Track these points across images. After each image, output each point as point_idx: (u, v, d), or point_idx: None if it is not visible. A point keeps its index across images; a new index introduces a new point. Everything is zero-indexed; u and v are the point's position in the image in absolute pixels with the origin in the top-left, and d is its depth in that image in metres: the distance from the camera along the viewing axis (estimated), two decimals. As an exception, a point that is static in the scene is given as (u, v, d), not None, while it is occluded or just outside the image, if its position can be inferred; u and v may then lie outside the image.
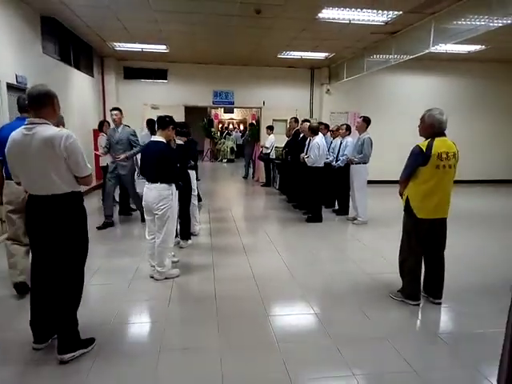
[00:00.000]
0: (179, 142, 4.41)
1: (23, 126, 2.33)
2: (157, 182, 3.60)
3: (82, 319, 2.54)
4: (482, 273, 4.12)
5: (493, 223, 6.44)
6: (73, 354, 2.43)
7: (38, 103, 2.32)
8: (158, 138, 3.67)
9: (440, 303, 3.28)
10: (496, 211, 7.52)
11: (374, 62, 8.08)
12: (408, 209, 3.18)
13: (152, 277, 3.79)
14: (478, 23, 5.35)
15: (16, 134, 2.34)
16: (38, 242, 2.42)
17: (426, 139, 3.11)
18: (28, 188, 2.42)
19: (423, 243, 3.22)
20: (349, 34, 7.17)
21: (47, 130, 2.29)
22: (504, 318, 2.92)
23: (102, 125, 6.87)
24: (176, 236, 4.31)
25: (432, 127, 3.06)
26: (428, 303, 3.32)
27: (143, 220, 4.80)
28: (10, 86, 5.10)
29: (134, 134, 5.65)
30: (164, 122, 3.69)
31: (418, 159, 3.04)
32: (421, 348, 2.69)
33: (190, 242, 4.88)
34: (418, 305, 3.27)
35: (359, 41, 7.66)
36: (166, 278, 3.74)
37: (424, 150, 3.01)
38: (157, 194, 3.59)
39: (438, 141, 3.03)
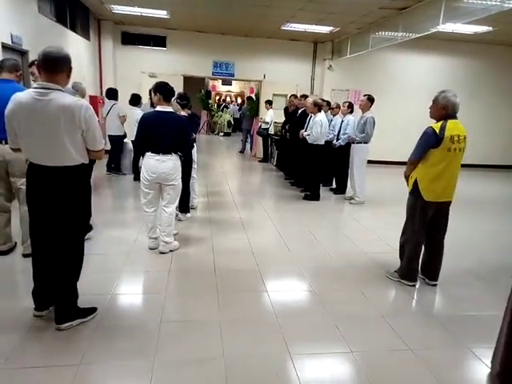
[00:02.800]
0: (183, 113, 4.31)
1: (33, 90, 2.16)
2: (171, 153, 3.53)
3: (81, 289, 2.54)
4: (478, 257, 4.19)
5: (491, 208, 6.51)
6: (70, 323, 2.44)
7: (55, 67, 2.17)
8: (166, 108, 3.54)
9: (436, 285, 3.34)
10: (495, 196, 7.60)
11: (380, 38, 7.88)
12: (416, 191, 3.16)
13: (151, 248, 3.78)
14: (491, 3, 5.22)
15: (23, 97, 2.16)
16: (42, 212, 2.34)
17: (438, 121, 3.06)
18: (33, 157, 2.27)
19: (427, 226, 3.23)
20: (356, 8, 6.95)
21: (65, 97, 2.16)
22: (499, 302, 3.00)
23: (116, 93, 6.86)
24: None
25: (446, 109, 3.02)
26: (424, 284, 3.38)
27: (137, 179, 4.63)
28: (4, 47, 4.89)
29: None
30: (171, 94, 3.59)
31: (431, 140, 2.99)
32: (416, 327, 2.75)
33: (188, 215, 4.87)
34: (414, 286, 3.33)
35: (366, 15, 7.44)
36: (170, 251, 3.74)
37: (437, 131, 2.97)
38: (173, 165, 3.54)
39: (450, 123, 3.00)
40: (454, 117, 3.04)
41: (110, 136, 6.84)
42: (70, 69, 2.26)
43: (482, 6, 5.27)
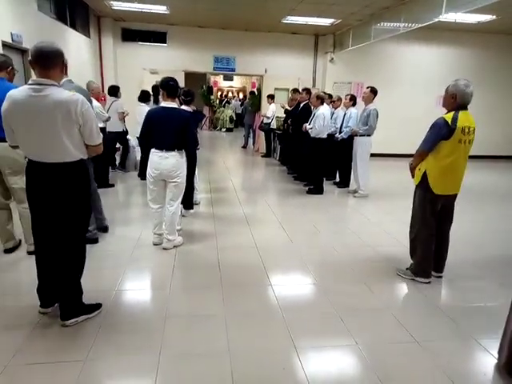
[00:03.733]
0: (188, 109, 4.29)
1: (28, 86, 2.14)
2: (174, 150, 3.52)
3: (85, 286, 2.54)
4: (484, 248, 4.16)
5: (496, 199, 6.47)
6: (75, 319, 2.45)
7: (48, 62, 2.14)
8: (170, 104, 3.53)
9: (441, 277, 3.31)
10: (499, 187, 7.55)
11: (382, 29, 7.81)
12: (424, 184, 3.07)
13: (156, 244, 3.79)
14: (493, -9, 5.13)
15: (18, 94, 2.14)
16: (43, 209, 2.34)
17: (449, 111, 2.99)
18: (32, 155, 2.26)
19: (436, 219, 3.16)
20: (358, -1, 6.88)
21: (60, 92, 2.14)
22: (505, 293, 2.99)
23: (117, 90, 6.81)
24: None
25: (454, 97, 2.93)
26: (429, 276, 3.36)
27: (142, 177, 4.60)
28: (5, 45, 4.88)
29: None
30: (175, 91, 3.57)
31: (442, 132, 2.91)
32: (422, 319, 2.73)
33: (192, 211, 4.86)
34: (429, 283, 3.22)
35: (367, 6, 7.36)
36: (174, 247, 3.75)
37: (450, 122, 2.89)
38: (175, 162, 3.52)
39: (462, 114, 2.91)
40: (464, 107, 2.95)
41: (109, 133, 6.82)
42: (62, 63, 2.24)
43: (484, -7, 5.19)
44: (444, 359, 2.30)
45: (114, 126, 6.67)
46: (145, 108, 6.36)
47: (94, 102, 5.88)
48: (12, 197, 3.39)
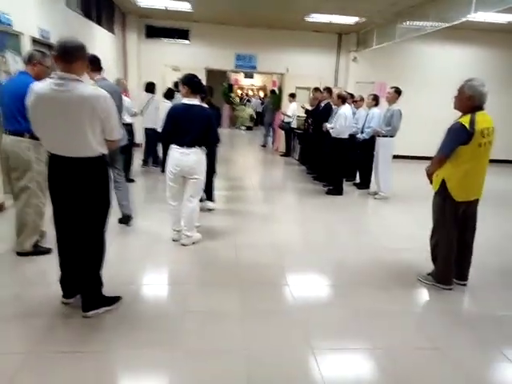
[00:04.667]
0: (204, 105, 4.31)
1: (52, 81, 2.16)
2: (195, 147, 3.53)
3: (105, 279, 2.58)
4: (506, 255, 4.03)
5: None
6: (96, 310, 2.50)
7: (71, 56, 2.17)
8: (193, 101, 3.54)
9: (465, 284, 3.21)
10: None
11: (407, 29, 7.64)
12: (444, 191, 2.95)
13: (174, 240, 3.82)
14: (528, -11, 4.96)
15: (43, 88, 2.16)
16: (64, 202, 2.39)
17: (464, 114, 2.85)
18: (54, 148, 2.29)
19: (458, 226, 3.05)
20: (384, -4, 6.75)
21: (84, 87, 2.18)
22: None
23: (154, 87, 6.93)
24: (200, 201, 4.32)
25: (472, 100, 2.80)
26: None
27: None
28: (34, 41, 5.00)
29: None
30: (199, 87, 3.58)
31: (461, 137, 2.78)
32: (443, 327, 2.66)
33: (214, 204, 4.95)
34: (451, 289, 3.13)
35: (394, 4, 7.21)
36: (193, 243, 3.77)
37: (467, 126, 2.76)
38: (196, 158, 3.54)
39: (479, 115, 2.79)
40: (481, 108, 2.83)
41: (146, 129, 6.93)
42: (85, 57, 2.27)
43: (517, -8, 5.01)
44: (466, 368, 2.24)
45: (153, 123, 6.74)
46: (169, 105, 6.42)
47: (124, 97, 5.98)
48: (11, 191, 3.34)
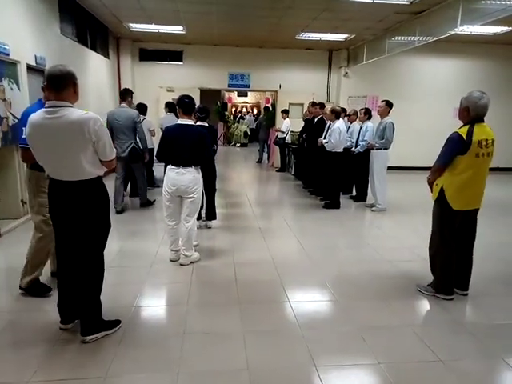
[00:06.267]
0: (204, 124, 4.37)
1: (44, 110, 2.24)
2: (191, 166, 3.57)
3: (104, 302, 2.56)
4: (507, 264, 4.02)
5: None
6: (95, 335, 2.47)
7: (60, 84, 2.23)
8: (187, 121, 3.61)
9: (467, 294, 3.20)
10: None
11: (396, 43, 7.81)
12: (442, 200, 3.00)
13: (173, 260, 3.80)
14: (509, 3, 5.10)
15: (36, 118, 2.23)
16: (63, 226, 2.41)
17: (464, 125, 2.93)
18: (53, 174, 2.35)
19: (456, 235, 3.07)
20: (371, 14, 6.92)
21: (73, 113, 2.22)
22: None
23: (145, 108, 6.98)
24: (198, 219, 4.32)
25: (468, 111, 2.88)
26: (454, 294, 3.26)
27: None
28: (29, 68, 5.08)
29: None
30: (191, 108, 3.64)
31: (458, 147, 2.84)
32: (446, 338, 2.64)
33: (213, 222, 4.98)
34: (452, 299, 3.12)
35: (381, 21, 7.40)
36: (191, 263, 3.76)
37: (464, 137, 2.82)
38: (192, 178, 3.56)
39: (477, 127, 2.85)
40: (480, 120, 2.89)
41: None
42: (74, 84, 2.30)
43: (500, 6, 5.16)
44: (471, 380, 2.22)
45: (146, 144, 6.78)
46: (172, 116, 6.41)
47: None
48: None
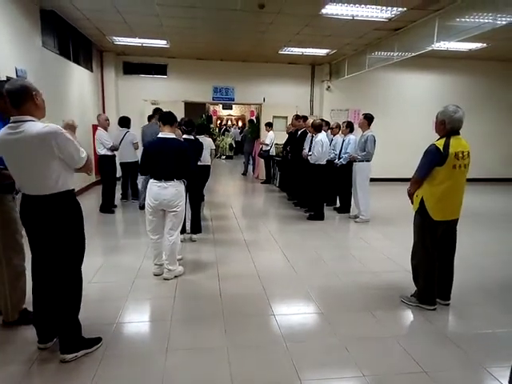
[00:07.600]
0: (190, 137, 4.37)
1: (8, 125, 2.21)
2: (173, 180, 3.54)
3: (86, 319, 2.51)
4: (487, 273, 4.11)
5: (497, 222, 6.44)
6: (75, 354, 2.40)
7: (18, 100, 2.19)
8: (168, 134, 3.58)
9: (448, 304, 3.25)
10: (500, 210, 7.53)
11: (376, 58, 8.03)
12: (422, 211, 3.05)
13: (156, 275, 3.74)
14: (483, 20, 5.31)
15: (1, 135, 2.22)
16: (35, 242, 2.36)
17: (441, 137, 3.01)
18: (22, 188, 2.34)
19: (438, 246, 3.13)
20: (351, 31, 7.11)
21: (33, 127, 2.17)
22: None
23: (129, 121, 6.95)
24: (183, 232, 4.29)
25: (444, 124, 2.97)
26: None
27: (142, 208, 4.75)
28: (7, 80, 5.00)
29: None
30: (172, 119, 3.63)
31: (435, 159, 2.93)
32: (430, 348, 2.66)
33: (197, 235, 4.96)
34: (435, 309, 3.16)
35: (362, 37, 7.60)
36: (175, 277, 3.71)
37: (441, 149, 2.91)
38: (175, 191, 3.53)
39: (453, 139, 2.94)
40: (456, 132, 2.98)
41: (123, 163, 6.90)
42: (32, 97, 2.24)
43: (474, 23, 5.37)
44: (454, 390, 2.23)
45: (128, 157, 6.75)
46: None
47: (99, 131, 6.22)
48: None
